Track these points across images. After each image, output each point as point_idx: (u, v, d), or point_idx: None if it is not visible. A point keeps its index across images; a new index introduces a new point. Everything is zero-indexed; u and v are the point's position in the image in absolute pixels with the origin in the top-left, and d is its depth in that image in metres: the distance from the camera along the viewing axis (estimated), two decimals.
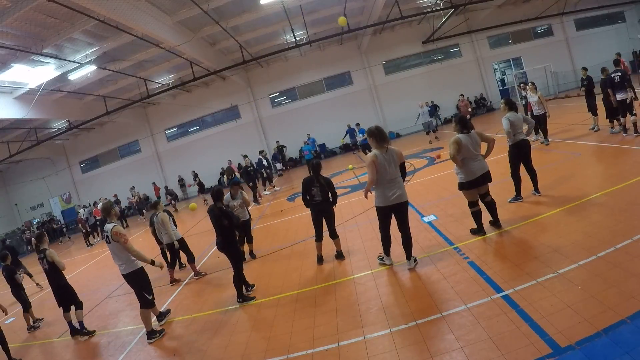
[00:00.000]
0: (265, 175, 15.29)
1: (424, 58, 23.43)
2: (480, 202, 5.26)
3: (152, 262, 4.91)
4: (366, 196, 4.96)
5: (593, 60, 17.24)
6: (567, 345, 2.75)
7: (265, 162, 15.27)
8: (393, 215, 4.76)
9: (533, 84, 10.09)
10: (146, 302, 4.92)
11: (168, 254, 7.33)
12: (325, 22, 18.04)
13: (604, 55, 17.58)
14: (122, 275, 4.97)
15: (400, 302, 4.05)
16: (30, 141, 18.73)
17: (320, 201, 5.65)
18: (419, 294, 4.10)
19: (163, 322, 5.27)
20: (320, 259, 5.89)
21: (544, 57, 21.49)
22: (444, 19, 18.85)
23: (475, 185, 5.08)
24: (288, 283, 5.49)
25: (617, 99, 8.17)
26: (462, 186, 5.19)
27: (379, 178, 4.56)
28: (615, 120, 8.77)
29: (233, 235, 5.43)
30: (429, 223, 6.25)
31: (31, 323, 6.78)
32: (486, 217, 5.35)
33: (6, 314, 6.68)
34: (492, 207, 5.28)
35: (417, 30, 22.26)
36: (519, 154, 6.05)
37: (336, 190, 5.76)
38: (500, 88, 23.75)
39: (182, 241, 7.05)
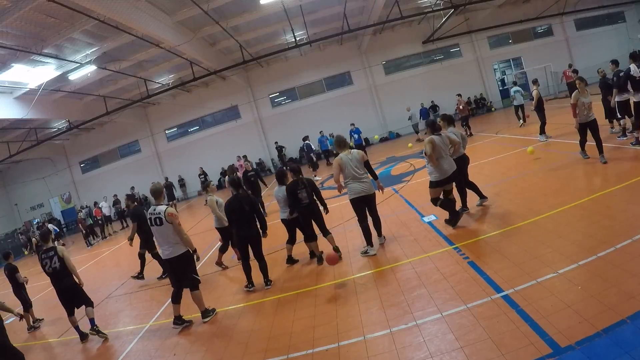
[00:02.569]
0: (314, 160, 15.95)
1: (424, 58, 23.43)
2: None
3: (195, 251, 4.97)
4: (339, 190, 5.61)
5: (593, 60, 17.26)
6: (567, 345, 2.75)
7: (314, 147, 15.56)
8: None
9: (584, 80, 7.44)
10: (195, 283, 4.98)
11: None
12: (325, 22, 18.04)
13: (604, 55, 17.56)
14: (166, 260, 4.90)
15: (400, 302, 4.05)
16: (30, 141, 18.74)
17: (308, 203, 5.70)
18: (419, 294, 4.10)
19: (207, 319, 5.01)
20: (320, 259, 5.88)
21: (544, 57, 21.50)
22: (444, 19, 18.85)
23: (446, 183, 5.61)
24: (288, 283, 5.50)
25: (617, 100, 7.88)
26: (435, 184, 5.62)
27: (348, 175, 5.40)
28: (615, 120, 8.74)
29: (252, 221, 5.49)
30: (429, 223, 6.25)
31: (31, 323, 6.76)
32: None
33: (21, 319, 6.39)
34: (452, 204, 5.71)
35: (417, 30, 22.27)
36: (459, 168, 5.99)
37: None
38: (500, 88, 23.75)
39: (226, 230, 6.94)
